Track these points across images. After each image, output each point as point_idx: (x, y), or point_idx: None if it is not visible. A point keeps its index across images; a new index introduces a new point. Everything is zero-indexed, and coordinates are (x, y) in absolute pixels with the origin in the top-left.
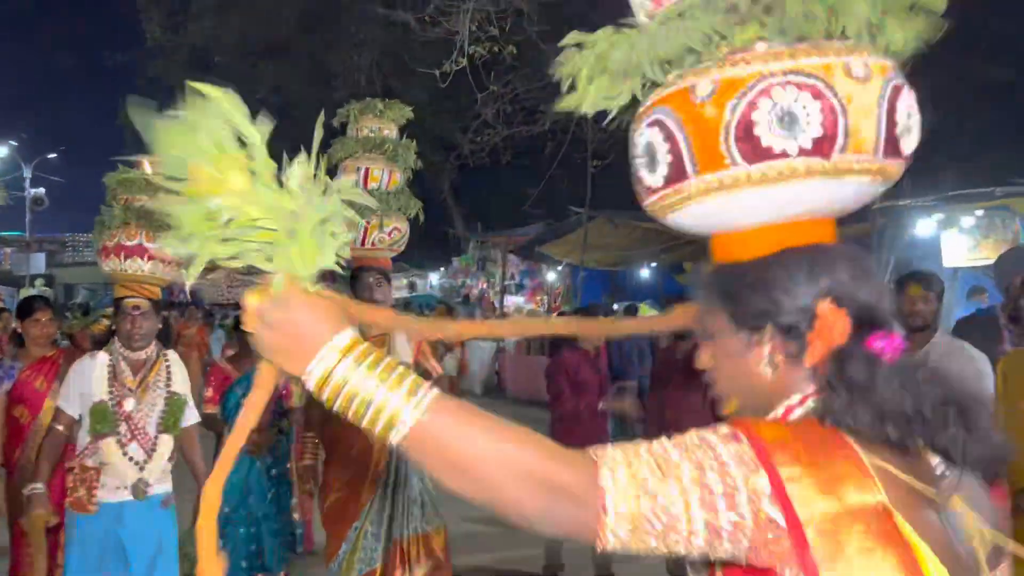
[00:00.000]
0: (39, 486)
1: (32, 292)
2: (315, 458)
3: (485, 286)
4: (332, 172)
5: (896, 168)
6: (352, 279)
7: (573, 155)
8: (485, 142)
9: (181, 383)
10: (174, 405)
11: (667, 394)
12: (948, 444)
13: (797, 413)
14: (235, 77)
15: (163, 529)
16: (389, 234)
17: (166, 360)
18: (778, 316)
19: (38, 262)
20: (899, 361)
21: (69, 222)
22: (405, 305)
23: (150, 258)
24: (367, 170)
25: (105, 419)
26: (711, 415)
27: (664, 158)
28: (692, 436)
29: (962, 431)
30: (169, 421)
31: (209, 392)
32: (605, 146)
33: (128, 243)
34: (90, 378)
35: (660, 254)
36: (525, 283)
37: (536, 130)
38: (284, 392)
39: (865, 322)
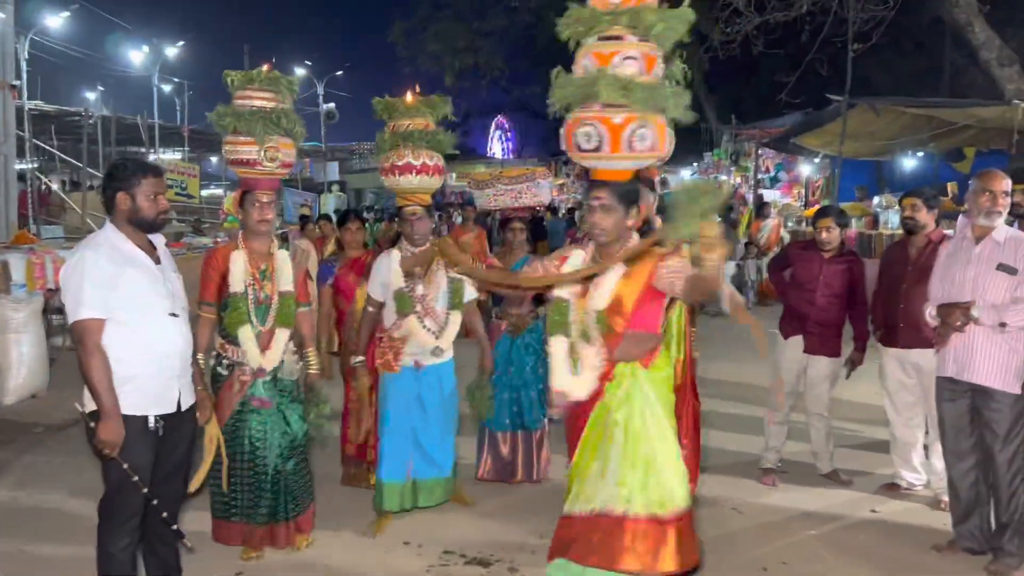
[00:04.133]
0: (362, 358)
1: (330, 197)
2: None
3: (739, 180)
4: None
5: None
6: None
7: (833, 39)
8: (736, 31)
9: None
10: (456, 286)
11: None
12: None
13: None
14: None
15: (449, 383)
16: None
17: None
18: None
19: (333, 170)
20: None
21: (356, 132)
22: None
23: (417, 172)
24: None
25: (404, 303)
26: None
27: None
28: None
29: None
30: (455, 299)
31: None
32: (868, 27)
33: (399, 163)
34: (388, 270)
35: (930, 141)
36: (781, 176)
37: (792, 14)
38: None
39: None
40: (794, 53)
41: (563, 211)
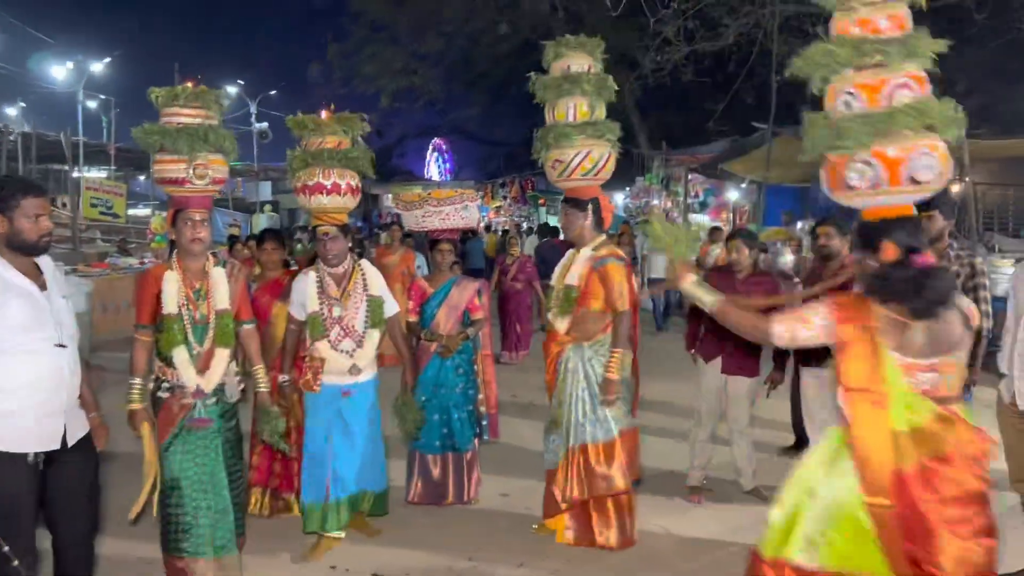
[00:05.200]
0: (286, 377)
1: (262, 217)
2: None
3: (669, 205)
4: (541, 107)
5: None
6: None
7: (758, 69)
8: (666, 60)
9: (377, 286)
10: (374, 304)
11: None
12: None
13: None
14: (423, 12)
15: (371, 403)
16: (552, 165)
17: (361, 270)
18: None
19: (265, 190)
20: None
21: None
22: None
23: (328, 193)
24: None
25: (316, 327)
26: None
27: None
28: None
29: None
30: (375, 318)
31: (411, 304)
32: (791, 58)
33: (309, 182)
34: (304, 292)
35: None
36: (709, 201)
37: (719, 44)
38: (471, 305)
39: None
40: (722, 82)
41: (499, 233)
